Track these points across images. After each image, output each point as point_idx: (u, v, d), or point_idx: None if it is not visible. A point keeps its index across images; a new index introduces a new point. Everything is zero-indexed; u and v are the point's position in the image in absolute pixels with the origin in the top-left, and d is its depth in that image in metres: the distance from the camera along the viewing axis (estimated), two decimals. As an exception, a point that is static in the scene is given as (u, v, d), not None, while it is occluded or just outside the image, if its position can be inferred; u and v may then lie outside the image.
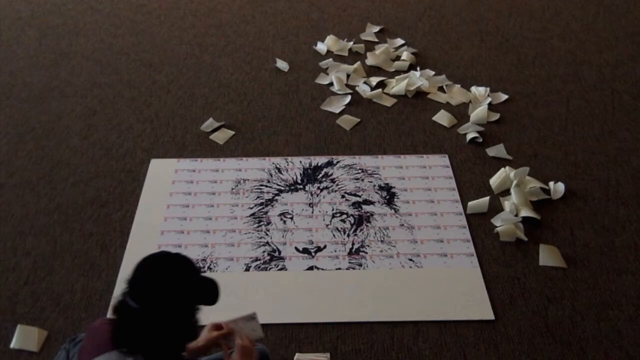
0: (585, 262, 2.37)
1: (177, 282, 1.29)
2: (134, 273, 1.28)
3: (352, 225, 2.50)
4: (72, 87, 3.33)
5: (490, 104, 3.14)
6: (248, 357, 1.50)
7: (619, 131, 3.01)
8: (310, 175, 2.73)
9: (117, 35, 3.78)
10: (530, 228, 2.49)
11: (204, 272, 2.31)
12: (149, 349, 1.28)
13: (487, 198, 2.58)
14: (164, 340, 1.29)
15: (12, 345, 2.07)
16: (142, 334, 1.27)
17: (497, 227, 2.48)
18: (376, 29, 3.79)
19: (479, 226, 2.50)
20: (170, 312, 1.26)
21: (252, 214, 2.55)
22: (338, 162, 2.80)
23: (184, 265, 1.33)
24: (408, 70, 3.42)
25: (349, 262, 2.35)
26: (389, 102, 3.18)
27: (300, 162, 2.80)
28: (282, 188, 2.67)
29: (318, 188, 2.66)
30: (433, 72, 3.39)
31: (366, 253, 2.39)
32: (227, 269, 2.33)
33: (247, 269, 2.33)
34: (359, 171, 2.75)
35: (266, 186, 2.68)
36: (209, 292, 1.37)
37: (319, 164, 2.79)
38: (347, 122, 3.05)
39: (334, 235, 2.46)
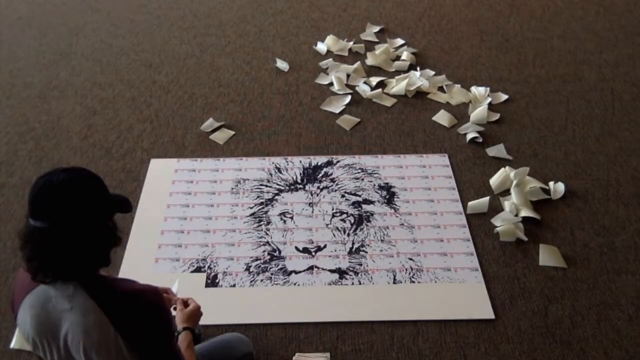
0: (585, 262, 2.37)
1: (83, 188, 1.21)
2: (35, 193, 1.19)
3: (352, 224, 2.50)
4: (72, 87, 3.33)
5: (490, 104, 3.14)
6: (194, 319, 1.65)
7: (619, 131, 3.01)
8: (310, 175, 2.73)
9: (117, 35, 3.78)
10: (530, 228, 2.49)
11: (204, 271, 2.32)
12: (73, 266, 1.21)
13: (487, 198, 2.58)
14: (86, 252, 1.21)
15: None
16: (61, 253, 1.18)
17: (497, 227, 2.48)
18: (376, 29, 3.79)
19: (479, 226, 2.50)
20: (83, 219, 1.19)
21: (252, 214, 2.55)
22: (338, 161, 2.80)
23: (87, 176, 1.25)
24: (408, 70, 3.42)
25: (349, 262, 2.35)
26: (389, 102, 3.19)
27: (300, 161, 2.80)
28: (282, 188, 2.67)
29: (318, 188, 2.66)
30: (433, 72, 3.39)
31: (366, 252, 2.39)
32: (227, 268, 2.33)
33: (247, 269, 2.33)
34: (359, 171, 2.75)
35: (266, 186, 2.68)
36: (119, 200, 1.31)
37: (319, 164, 2.79)
38: (347, 122, 3.05)
39: (334, 235, 2.46)
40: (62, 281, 1.24)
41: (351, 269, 2.33)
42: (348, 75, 3.35)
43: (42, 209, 1.17)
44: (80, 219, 1.19)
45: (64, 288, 1.25)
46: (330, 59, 3.49)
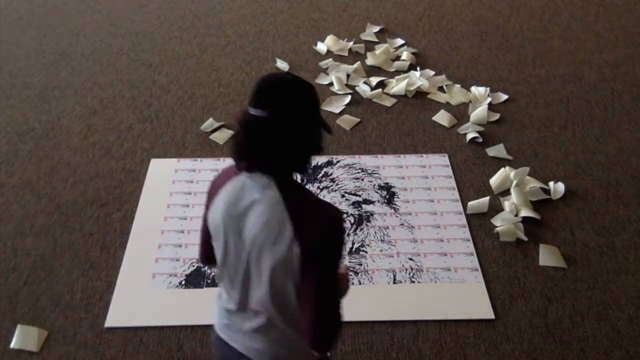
0: (585, 262, 2.37)
1: (305, 89, 1.23)
2: (258, 85, 1.21)
3: (352, 224, 2.50)
4: (72, 87, 3.33)
5: (490, 104, 3.14)
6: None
7: (619, 131, 3.01)
8: (310, 175, 2.73)
9: (117, 35, 3.78)
10: (530, 228, 2.49)
11: (203, 269, 2.32)
12: (279, 159, 1.25)
13: (487, 198, 2.58)
14: (293, 148, 1.24)
15: (12, 345, 2.07)
16: (272, 144, 1.21)
17: (497, 227, 2.48)
18: (376, 29, 3.79)
19: (479, 226, 2.50)
20: (300, 116, 1.21)
21: (252, 214, 2.55)
22: (338, 161, 2.80)
23: (311, 84, 1.26)
24: (408, 70, 3.42)
25: (349, 262, 2.35)
26: (389, 102, 3.19)
27: (300, 162, 2.80)
28: (282, 188, 2.66)
29: (318, 187, 2.66)
30: (433, 72, 3.39)
31: (366, 252, 2.39)
32: (227, 268, 2.33)
33: (247, 269, 2.32)
34: (359, 171, 2.75)
35: (266, 186, 2.68)
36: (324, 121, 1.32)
37: (319, 164, 2.79)
38: (347, 122, 3.05)
39: (334, 235, 2.45)
40: (261, 173, 1.26)
41: (351, 269, 2.33)
42: (348, 75, 3.35)
43: (266, 99, 1.19)
44: (297, 115, 1.21)
45: (260, 180, 1.27)
46: (330, 59, 3.49)
